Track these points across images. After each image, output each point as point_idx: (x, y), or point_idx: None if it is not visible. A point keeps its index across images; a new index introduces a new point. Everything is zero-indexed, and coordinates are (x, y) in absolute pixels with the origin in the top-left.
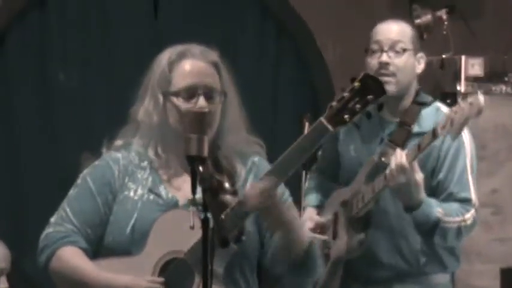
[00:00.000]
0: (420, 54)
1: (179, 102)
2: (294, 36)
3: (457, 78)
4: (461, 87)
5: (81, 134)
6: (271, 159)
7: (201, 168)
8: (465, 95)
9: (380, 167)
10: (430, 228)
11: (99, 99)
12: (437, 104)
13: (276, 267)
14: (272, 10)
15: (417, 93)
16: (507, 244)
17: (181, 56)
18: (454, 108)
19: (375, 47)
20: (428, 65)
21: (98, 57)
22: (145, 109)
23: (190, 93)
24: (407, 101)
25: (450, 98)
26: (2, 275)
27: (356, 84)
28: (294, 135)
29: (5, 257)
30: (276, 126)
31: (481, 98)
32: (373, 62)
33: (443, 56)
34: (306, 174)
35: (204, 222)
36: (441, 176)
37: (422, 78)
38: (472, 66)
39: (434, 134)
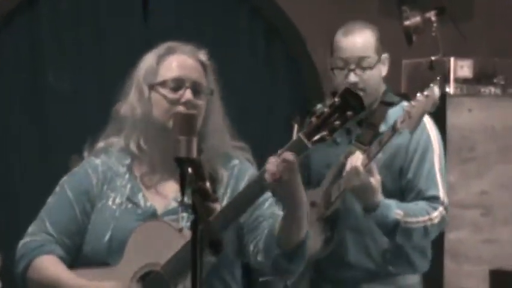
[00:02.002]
0: (384, 56)
1: (165, 92)
2: (285, 39)
3: (446, 79)
4: (450, 89)
5: (72, 136)
6: (262, 161)
7: (190, 170)
8: (423, 89)
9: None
10: (391, 230)
11: (90, 101)
12: (404, 103)
13: (258, 256)
14: (263, 14)
15: (385, 94)
16: (496, 245)
17: (170, 51)
18: (411, 102)
19: (339, 63)
20: (417, 66)
21: (89, 59)
22: (129, 103)
23: (177, 84)
24: (376, 103)
25: (439, 99)
26: None
27: (336, 100)
28: (285, 137)
29: None
30: (266, 127)
31: (436, 89)
32: (340, 80)
33: (432, 57)
34: None
35: (194, 224)
36: (410, 175)
37: (411, 79)
38: (461, 67)
39: (393, 128)
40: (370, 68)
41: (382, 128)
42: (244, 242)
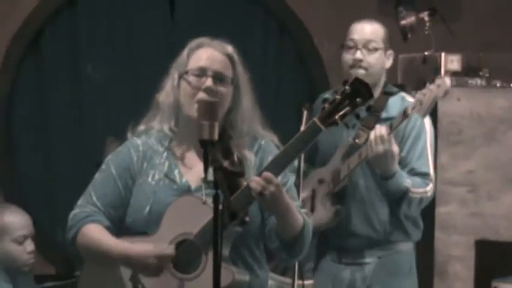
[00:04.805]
0: (389, 52)
1: (190, 78)
2: (294, 35)
3: (437, 72)
4: None
5: (106, 123)
6: None
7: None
8: (433, 79)
9: (354, 148)
10: (400, 197)
11: (123, 92)
12: (402, 94)
13: (272, 243)
14: (274, 11)
15: (385, 85)
16: (481, 218)
17: (200, 45)
18: (423, 91)
19: (350, 43)
20: (412, 60)
21: (122, 55)
22: (165, 91)
23: (200, 72)
24: (377, 92)
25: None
26: (26, 239)
27: (347, 87)
28: (293, 125)
29: (26, 223)
30: (276, 117)
31: (447, 80)
32: (348, 57)
33: (426, 53)
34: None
35: (215, 198)
36: (403, 153)
37: (407, 72)
38: (451, 62)
39: (404, 114)
40: (375, 50)
41: (383, 114)
42: (264, 225)
